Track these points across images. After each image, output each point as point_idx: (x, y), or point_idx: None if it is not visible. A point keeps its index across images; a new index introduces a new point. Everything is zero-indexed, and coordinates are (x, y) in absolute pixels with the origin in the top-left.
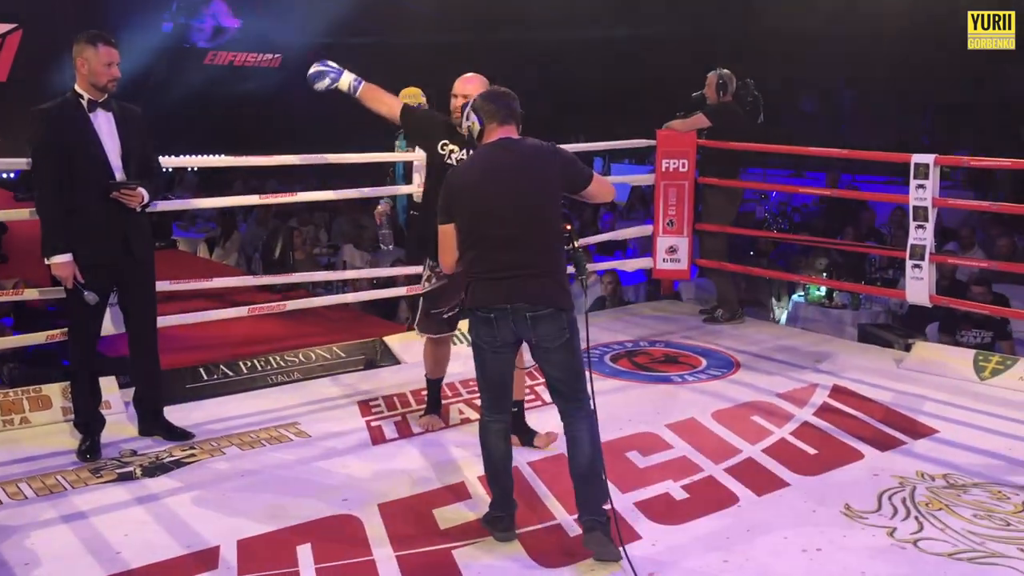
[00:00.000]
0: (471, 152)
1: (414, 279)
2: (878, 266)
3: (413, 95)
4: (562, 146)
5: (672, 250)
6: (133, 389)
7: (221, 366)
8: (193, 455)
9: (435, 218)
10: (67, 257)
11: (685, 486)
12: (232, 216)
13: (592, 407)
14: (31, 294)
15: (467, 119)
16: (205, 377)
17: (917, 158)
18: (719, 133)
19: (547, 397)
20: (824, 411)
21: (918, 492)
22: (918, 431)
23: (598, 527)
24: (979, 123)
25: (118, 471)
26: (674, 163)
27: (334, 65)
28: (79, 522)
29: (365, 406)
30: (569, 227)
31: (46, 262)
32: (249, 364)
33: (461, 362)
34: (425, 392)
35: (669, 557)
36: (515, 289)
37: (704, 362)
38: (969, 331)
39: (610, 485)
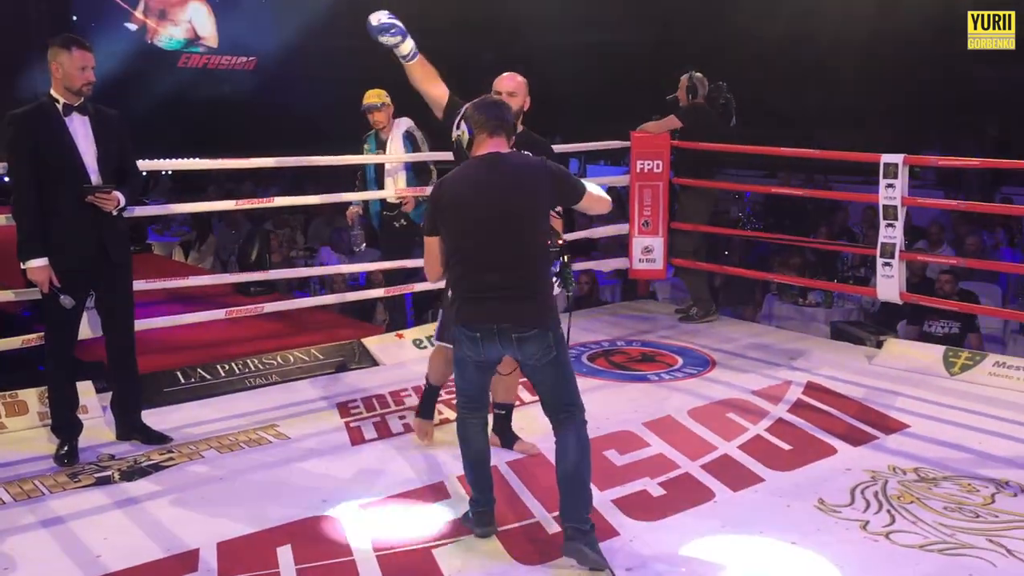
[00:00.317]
0: (460, 164)
1: (391, 279)
2: (850, 264)
3: (378, 96)
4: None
5: (648, 250)
6: (110, 393)
7: (199, 369)
8: (171, 458)
9: None
10: (43, 261)
11: (662, 483)
12: (207, 219)
13: (583, 418)
14: (6, 296)
15: (457, 128)
16: (183, 380)
17: (886, 158)
18: (691, 134)
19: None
20: (798, 407)
21: (890, 486)
22: (890, 426)
23: (579, 536)
24: (948, 123)
25: (96, 475)
26: (648, 164)
27: (401, 24)
28: (58, 527)
29: (344, 408)
30: (561, 241)
31: (22, 267)
32: (227, 367)
33: None
34: (404, 393)
35: (646, 552)
36: (500, 310)
37: (680, 361)
38: (937, 321)
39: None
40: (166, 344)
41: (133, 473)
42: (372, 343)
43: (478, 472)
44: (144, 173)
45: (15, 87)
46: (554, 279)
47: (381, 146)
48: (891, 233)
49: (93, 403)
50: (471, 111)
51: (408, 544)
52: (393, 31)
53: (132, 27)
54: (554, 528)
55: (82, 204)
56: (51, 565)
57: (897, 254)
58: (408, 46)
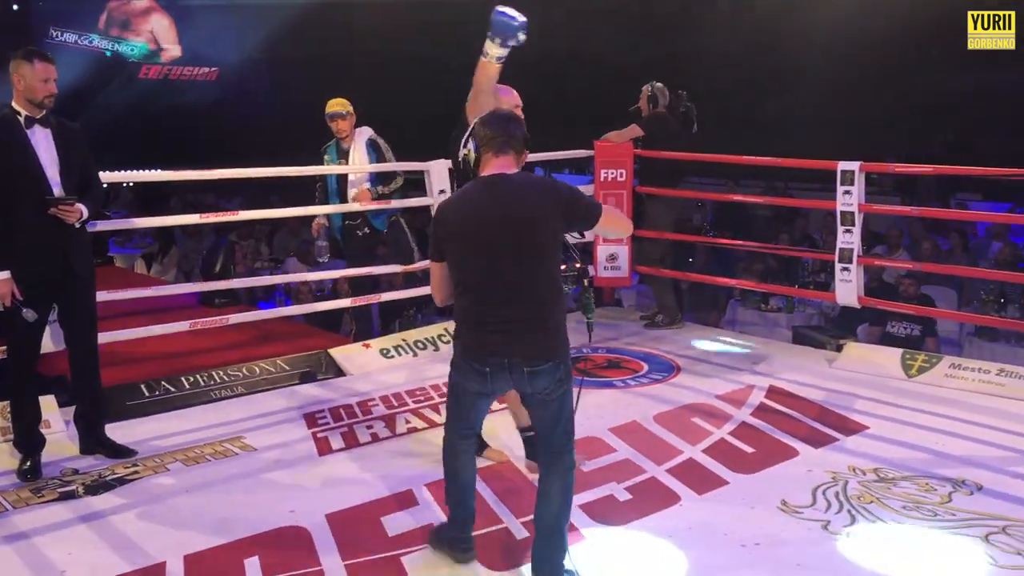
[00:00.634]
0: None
1: (357, 289)
2: (811, 270)
3: (342, 104)
4: None
5: (612, 258)
6: (74, 407)
7: (163, 382)
8: (136, 472)
9: None
10: (5, 275)
11: (628, 487)
12: (169, 231)
13: (571, 462)
14: None
15: (464, 146)
16: (147, 393)
17: (843, 165)
18: (652, 143)
19: None
20: (761, 411)
21: (850, 486)
22: (850, 428)
23: None
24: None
25: (60, 490)
26: (612, 173)
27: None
28: (22, 542)
29: (311, 418)
30: (579, 265)
31: None
32: (192, 379)
33: (405, 372)
34: (371, 403)
35: (613, 557)
36: (510, 343)
37: (646, 367)
38: (899, 323)
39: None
40: (130, 357)
41: (98, 487)
42: (339, 353)
43: (465, 499)
44: (105, 185)
45: None
46: (571, 304)
47: (343, 155)
48: (849, 239)
49: (56, 417)
50: (478, 127)
51: (377, 553)
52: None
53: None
54: (523, 533)
55: (44, 216)
56: None
57: (855, 259)
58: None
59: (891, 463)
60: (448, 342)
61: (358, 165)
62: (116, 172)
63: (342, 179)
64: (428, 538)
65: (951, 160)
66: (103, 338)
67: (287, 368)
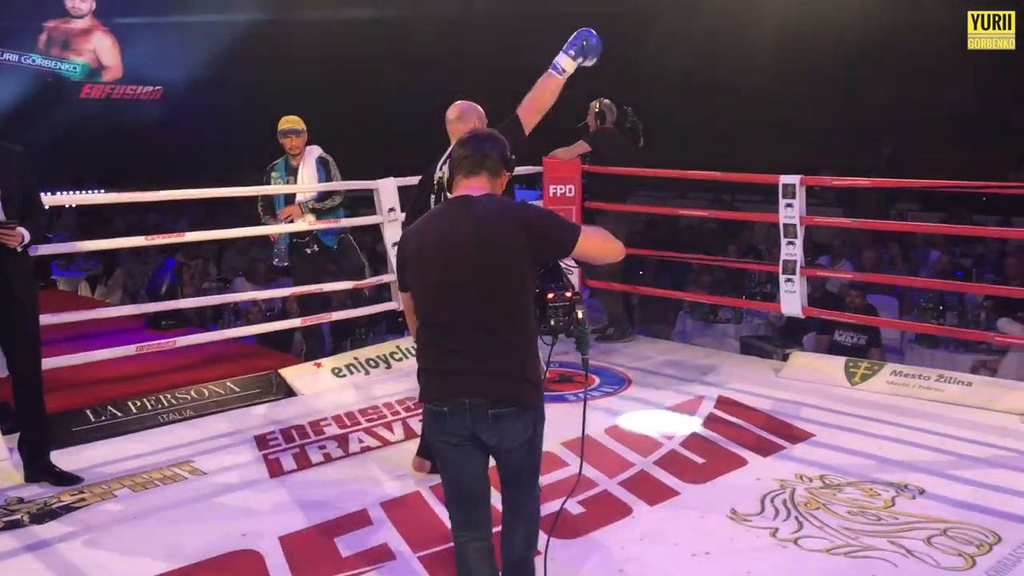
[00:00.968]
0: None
1: (307, 307)
2: (758, 281)
3: (294, 122)
4: None
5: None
6: (17, 434)
7: (109, 407)
8: (83, 499)
9: None
10: None
11: (581, 501)
12: (114, 252)
13: (535, 508)
14: None
15: (439, 169)
16: (93, 419)
17: (784, 179)
18: (600, 158)
19: None
20: (710, 421)
21: (797, 493)
22: (796, 436)
23: None
24: (846, 143)
25: (5, 519)
26: (561, 188)
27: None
28: None
29: (262, 439)
30: (570, 295)
31: None
32: (139, 404)
33: (357, 391)
34: (324, 423)
35: (566, 570)
36: (472, 383)
37: (597, 380)
38: (846, 332)
39: None
40: (74, 382)
41: (43, 516)
42: (290, 373)
43: None
44: (48, 208)
45: None
46: (549, 337)
47: (291, 173)
48: (792, 250)
49: None
50: (456, 147)
51: (331, 572)
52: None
53: (36, 57)
54: None
55: None
56: None
57: (798, 270)
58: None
59: (836, 469)
60: (400, 359)
61: (307, 183)
62: (59, 195)
63: (290, 197)
64: None
65: (890, 173)
66: (47, 363)
67: (237, 390)
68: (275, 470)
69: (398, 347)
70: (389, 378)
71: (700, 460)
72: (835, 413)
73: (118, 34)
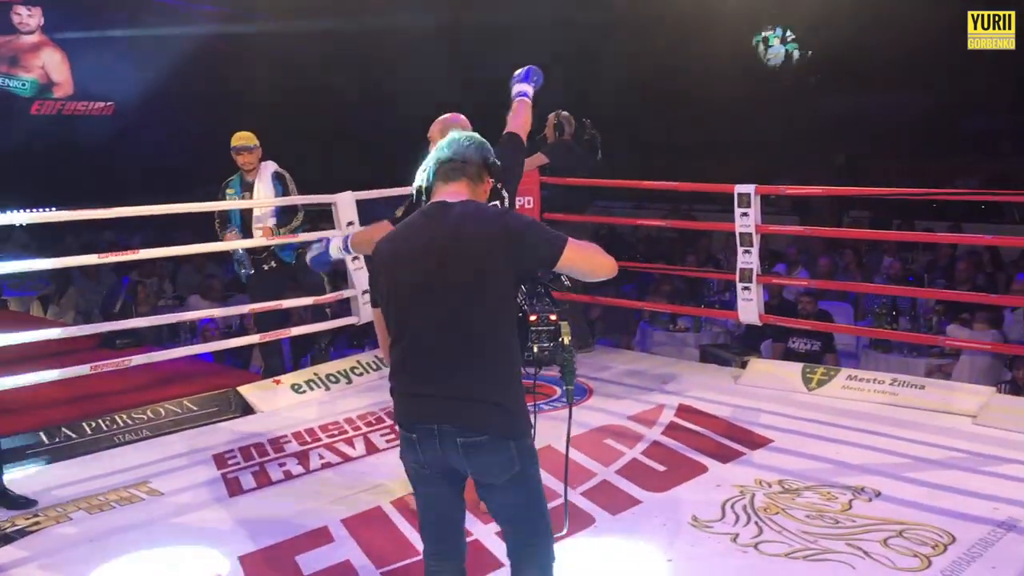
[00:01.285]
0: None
1: (264, 324)
2: (716, 290)
3: (246, 138)
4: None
5: None
6: None
7: (63, 429)
8: (38, 523)
9: None
10: None
11: None
12: (66, 271)
13: (547, 559)
14: None
15: (417, 178)
16: (46, 441)
17: (739, 188)
18: (557, 170)
19: None
20: (671, 429)
21: (757, 499)
22: (755, 442)
23: None
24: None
25: None
26: (520, 200)
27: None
28: None
29: (220, 458)
30: (555, 318)
31: None
32: (93, 425)
33: (318, 407)
34: (284, 440)
35: None
36: (440, 408)
37: (559, 391)
38: (800, 339)
39: (470, 517)
40: (27, 404)
41: None
42: (248, 391)
43: None
44: None
45: None
46: (533, 367)
47: (247, 189)
48: (748, 259)
49: None
50: (435, 152)
51: None
52: (318, 253)
53: None
54: None
55: None
56: None
57: (755, 278)
58: (336, 247)
59: (795, 474)
60: (361, 374)
61: (263, 198)
62: (9, 213)
63: (246, 213)
64: None
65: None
66: None
67: (194, 408)
68: (234, 489)
69: (359, 362)
70: (350, 393)
71: (661, 468)
72: (793, 419)
73: (68, 49)
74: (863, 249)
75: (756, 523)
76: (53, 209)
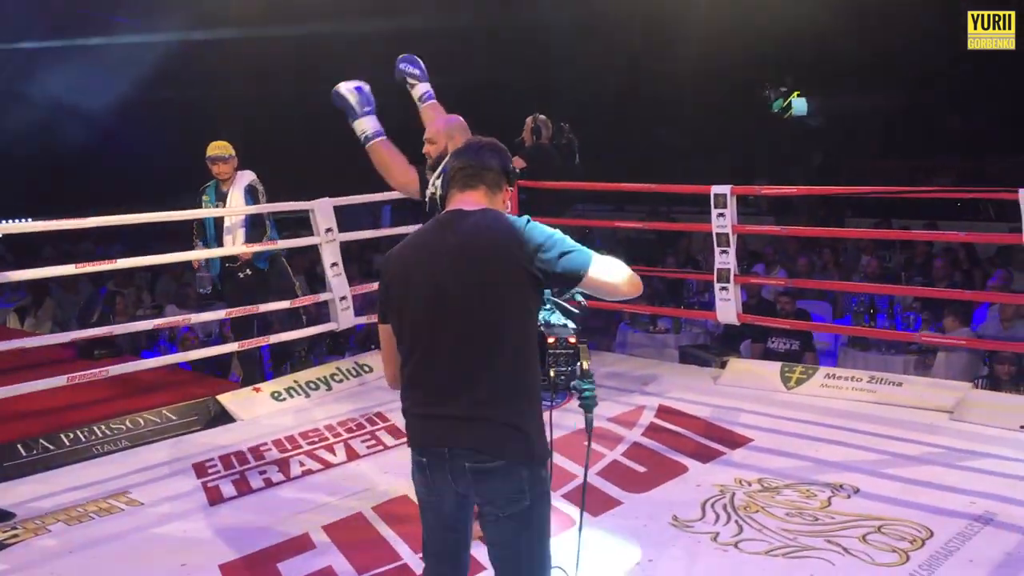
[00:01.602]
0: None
1: (240, 331)
2: (695, 291)
3: (222, 147)
4: None
5: None
6: None
7: (41, 440)
8: (16, 535)
9: None
10: None
11: None
12: (43, 283)
13: None
14: None
15: (432, 184)
16: (24, 453)
17: (716, 189)
18: (535, 173)
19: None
20: (651, 431)
21: (737, 497)
22: (735, 441)
23: None
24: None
25: None
26: None
27: (367, 92)
28: None
29: (200, 467)
30: (574, 340)
31: None
32: (72, 436)
33: (298, 414)
34: (264, 448)
35: None
36: (452, 430)
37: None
38: (779, 339)
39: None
40: (3, 416)
41: None
42: (228, 399)
43: None
44: None
45: None
46: (553, 394)
47: (221, 198)
48: (725, 259)
49: None
50: (450, 159)
51: None
52: (350, 106)
53: None
54: (421, 567)
55: None
56: None
57: (732, 278)
58: (368, 125)
59: (774, 472)
60: (341, 380)
61: (228, 210)
62: None
63: (219, 222)
64: None
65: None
66: None
67: (173, 418)
68: (214, 498)
69: (338, 368)
70: (330, 400)
71: (642, 469)
72: (772, 417)
73: (40, 58)
74: (840, 248)
75: (736, 522)
76: (29, 220)
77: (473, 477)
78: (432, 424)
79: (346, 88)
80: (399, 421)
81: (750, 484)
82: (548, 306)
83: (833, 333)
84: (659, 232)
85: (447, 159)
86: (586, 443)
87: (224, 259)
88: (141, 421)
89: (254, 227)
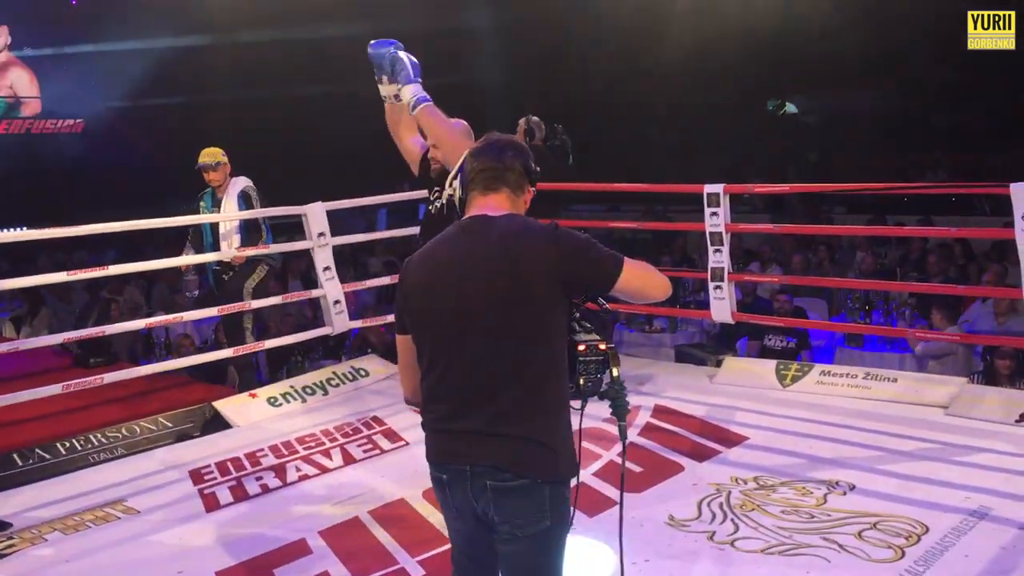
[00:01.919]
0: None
1: (232, 337)
2: (691, 290)
3: (212, 155)
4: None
5: None
6: None
7: (37, 450)
8: (12, 545)
9: None
10: None
11: None
12: (39, 292)
13: None
14: None
15: (449, 186)
16: (20, 463)
17: (708, 188)
18: None
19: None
20: (647, 430)
21: (733, 496)
22: (731, 439)
23: None
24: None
25: None
26: None
27: (410, 62)
28: None
29: (197, 474)
30: (604, 347)
31: None
32: (68, 444)
33: (294, 419)
34: (260, 453)
35: None
36: (474, 445)
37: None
38: (776, 336)
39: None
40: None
41: None
42: (224, 405)
43: None
44: None
45: None
46: (579, 399)
47: (217, 204)
48: (719, 258)
49: None
50: (468, 159)
51: None
52: (388, 69)
53: None
54: (419, 571)
55: None
56: None
57: (726, 277)
58: (411, 93)
59: (770, 470)
60: (337, 385)
61: (224, 215)
62: None
63: (215, 228)
64: None
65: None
66: None
67: (170, 425)
68: (211, 504)
69: (335, 373)
70: (326, 405)
71: (638, 469)
72: (768, 415)
73: (35, 68)
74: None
75: (732, 520)
76: (23, 229)
77: (494, 495)
78: (453, 439)
79: (405, 54)
80: (395, 425)
81: (746, 482)
82: (572, 311)
83: (828, 330)
84: (654, 232)
85: (464, 158)
86: (620, 456)
87: (217, 266)
88: (137, 429)
89: (249, 232)
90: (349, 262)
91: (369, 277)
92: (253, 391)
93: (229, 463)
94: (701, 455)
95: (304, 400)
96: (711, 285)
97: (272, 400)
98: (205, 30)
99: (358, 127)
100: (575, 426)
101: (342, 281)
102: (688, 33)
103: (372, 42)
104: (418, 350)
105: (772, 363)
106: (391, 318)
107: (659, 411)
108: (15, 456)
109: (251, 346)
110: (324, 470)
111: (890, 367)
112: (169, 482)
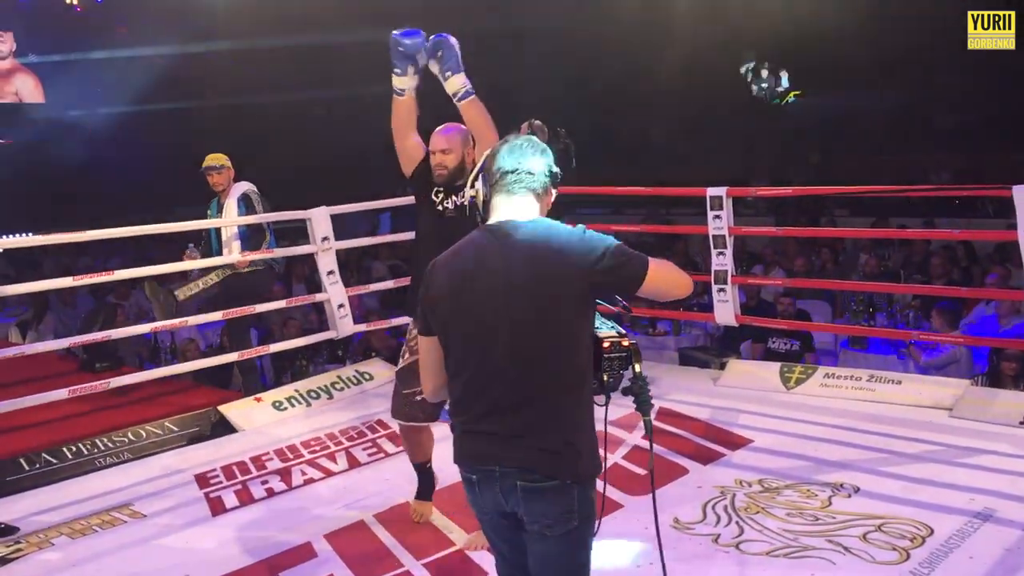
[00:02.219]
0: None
1: (236, 340)
2: (694, 292)
3: (214, 159)
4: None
5: None
6: None
7: (43, 454)
8: (20, 550)
9: (420, 276)
10: None
11: None
12: (44, 297)
13: None
14: None
15: (471, 186)
16: (26, 467)
17: (711, 191)
18: None
19: None
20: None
21: (737, 499)
22: (735, 442)
23: None
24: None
25: None
26: None
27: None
28: None
29: (203, 478)
30: (627, 343)
31: None
32: (74, 449)
33: (299, 423)
34: (266, 457)
35: None
36: (502, 446)
37: None
38: (780, 339)
39: (454, 524)
40: (6, 430)
41: None
42: (229, 409)
43: None
44: None
45: None
46: (603, 395)
47: (220, 209)
48: (722, 261)
49: None
50: (489, 159)
51: None
52: (434, 58)
53: None
54: (424, 574)
55: None
56: None
57: (729, 279)
58: (459, 83)
59: (775, 473)
60: (342, 389)
61: (227, 220)
62: None
63: (219, 233)
64: None
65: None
66: None
67: (175, 429)
68: (217, 508)
69: (339, 376)
70: (331, 408)
71: (642, 472)
72: (772, 418)
73: (41, 73)
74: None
75: (737, 523)
76: (29, 234)
77: (523, 495)
78: (483, 441)
79: (455, 41)
80: (400, 429)
81: (750, 485)
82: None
83: (831, 332)
84: (657, 235)
85: (484, 159)
86: (648, 448)
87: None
88: (143, 433)
89: (250, 236)
90: (353, 266)
91: (373, 281)
92: (258, 395)
93: (235, 467)
94: (705, 458)
95: (309, 404)
96: (715, 288)
97: (277, 404)
98: (210, 36)
99: (361, 131)
100: (598, 423)
101: (346, 285)
102: (691, 35)
103: (398, 31)
104: (446, 354)
105: (776, 366)
106: (396, 322)
107: (663, 414)
108: (22, 461)
109: (256, 350)
110: (329, 474)
111: (894, 368)
112: (175, 486)
